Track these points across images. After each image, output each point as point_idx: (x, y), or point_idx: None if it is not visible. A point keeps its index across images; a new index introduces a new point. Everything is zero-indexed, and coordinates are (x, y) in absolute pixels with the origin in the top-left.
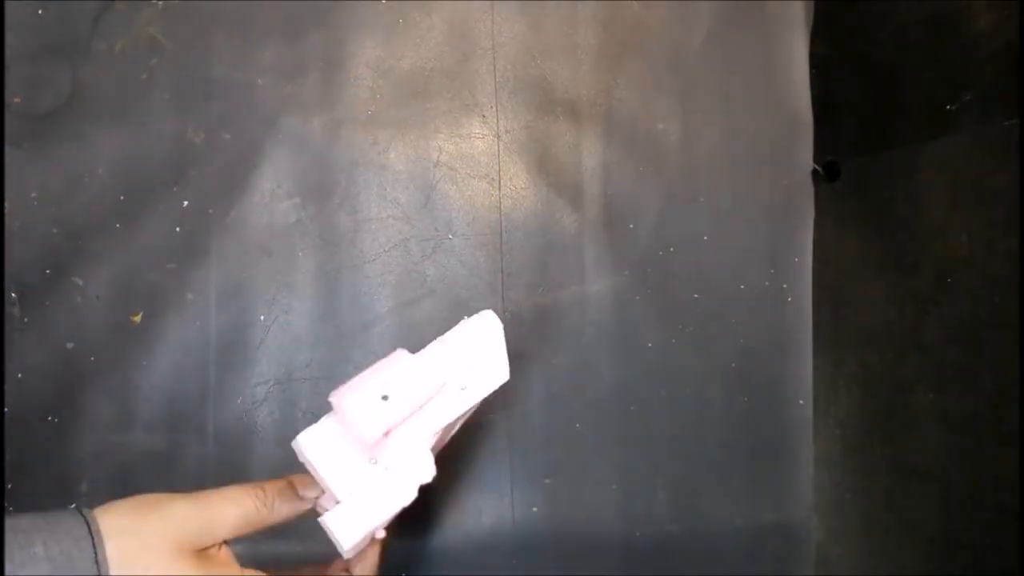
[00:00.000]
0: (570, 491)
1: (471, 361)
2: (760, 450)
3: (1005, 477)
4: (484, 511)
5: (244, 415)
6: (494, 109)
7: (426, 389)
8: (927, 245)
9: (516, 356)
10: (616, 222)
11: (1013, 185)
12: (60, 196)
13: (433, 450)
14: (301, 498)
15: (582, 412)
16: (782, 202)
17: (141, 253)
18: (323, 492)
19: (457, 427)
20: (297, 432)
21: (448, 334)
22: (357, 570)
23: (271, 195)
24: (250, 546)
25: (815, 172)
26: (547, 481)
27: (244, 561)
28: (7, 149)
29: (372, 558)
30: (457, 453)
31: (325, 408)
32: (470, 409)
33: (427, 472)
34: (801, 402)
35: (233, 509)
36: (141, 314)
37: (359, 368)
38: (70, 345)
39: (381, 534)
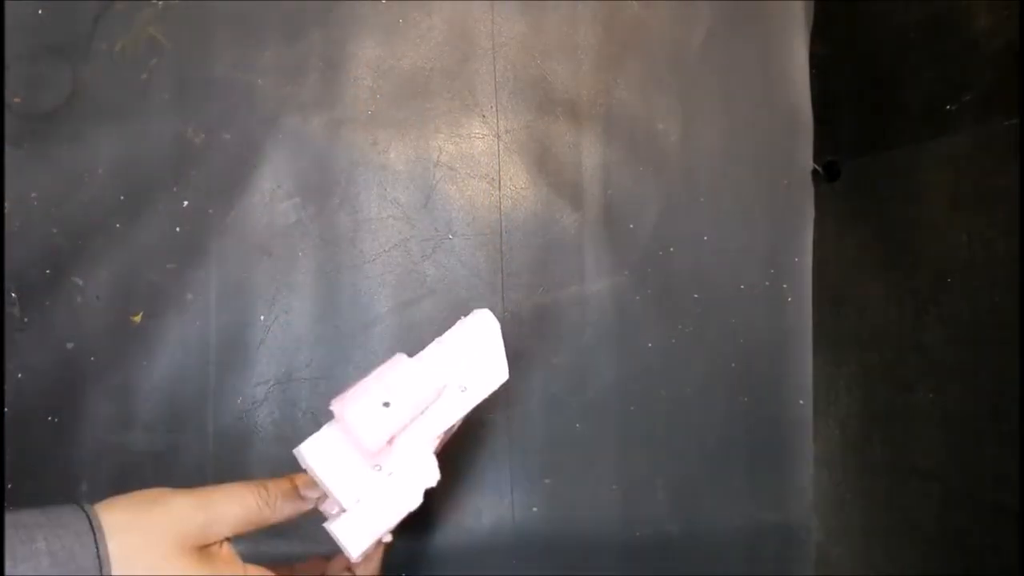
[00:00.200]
0: (570, 491)
1: (470, 362)
2: (760, 450)
3: (1005, 477)
4: (484, 511)
5: (244, 415)
6: (494, 109)
7: (427, 393)
8: (927, 245)
9: (516, 356)
10: (616, 222)
11: (1013, 185)
12: (60, 196)
13: (435, 452)
14: (303, 498)
15: (582, 412)
16: (782, 202)
17: (141, 253)
18: (325, 494)
19: (457, 427)
20: (297, 432)
21: (446, 335)
22: (360, 570)
23: (271, 195)
24: (251, 545)
25: (815, 172)
26: (547, 481)
27: (246, 560)
28: (7, 149)
29: (375, 559)
30: (457, 453)
31: (325, 408)
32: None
33: (431, 476)
34: (801, 402)
35: (235, 506)
36: (141, 314)
37: (359, 368)
38: (70, 345)
39: (388, 538)
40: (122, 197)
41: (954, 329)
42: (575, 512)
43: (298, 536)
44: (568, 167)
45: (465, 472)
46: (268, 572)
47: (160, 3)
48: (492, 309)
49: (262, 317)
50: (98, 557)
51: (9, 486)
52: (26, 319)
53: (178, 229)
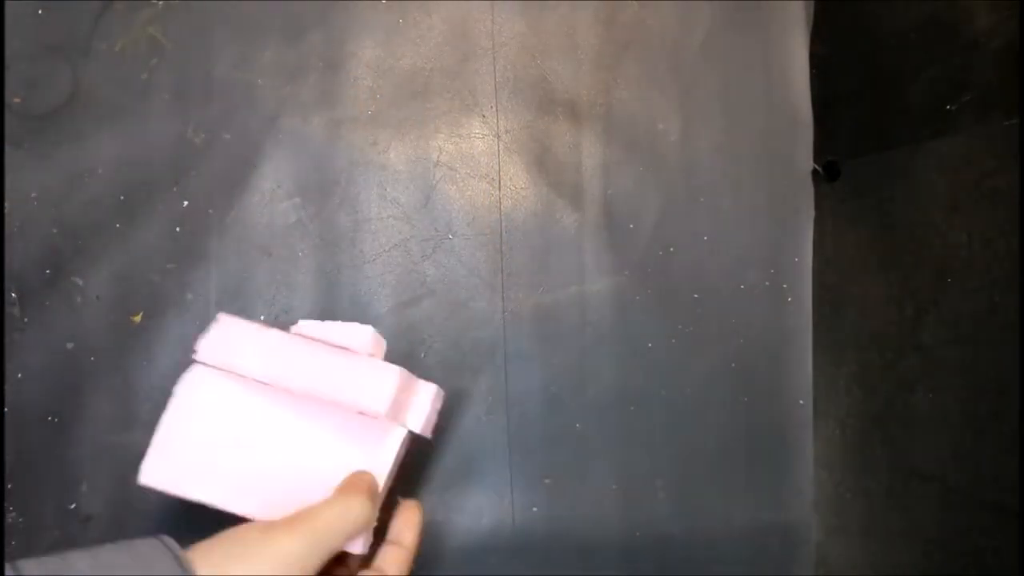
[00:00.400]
0: (570, 491)
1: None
2: (760, 450)
3: (1005, 477)
4: (484, 511)
5: None
6: (494, 109)
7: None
8: (927, 245)
9: (516, 356)
10: (616, 222)
11: (1013, 185)
12: (60, 196)
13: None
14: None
15: (582, 412)
16: (782, 202)
17: (141, 253)
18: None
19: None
20: None
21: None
22: (392, 570)
23: (271, 195)
24: None
25: (815, 172)
26: (547, 481)
27: None
28: (7, 149)
29: (405, 559)
30: (457, 452)
31: None
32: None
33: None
34: (801, 402)
35: (344, 523)
36: (141, 314)
37: None
38: (70, 345)
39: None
40: (122, 197)
41: (954, 329)
42: (575, 512)
43: None
44: (568, 167)
45: (465, 472)
46: None
47: (160, 3)
48: (492, 309)
49: (262, 317)
50: None
51: (9, 486)
52: (26, 319)
53: (178, 229)
